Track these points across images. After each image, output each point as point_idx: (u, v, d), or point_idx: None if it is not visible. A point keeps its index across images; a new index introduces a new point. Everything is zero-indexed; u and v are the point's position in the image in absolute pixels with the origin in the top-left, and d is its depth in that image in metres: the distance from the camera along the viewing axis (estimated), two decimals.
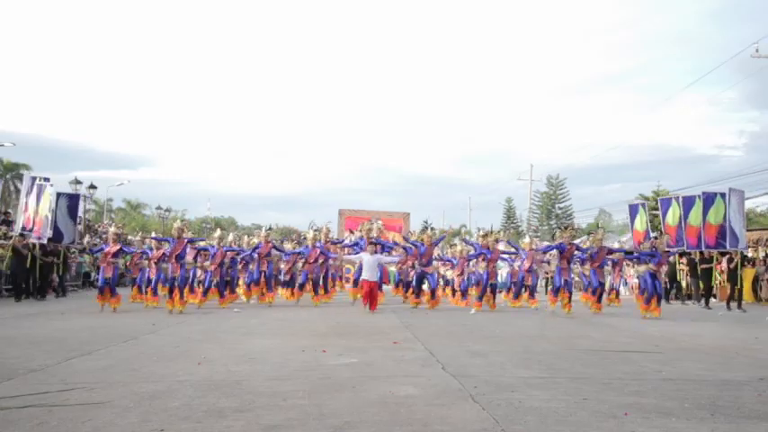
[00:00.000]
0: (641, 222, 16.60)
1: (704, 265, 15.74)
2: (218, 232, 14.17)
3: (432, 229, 14.41)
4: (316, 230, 14.18)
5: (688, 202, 15.20)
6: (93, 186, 28.50)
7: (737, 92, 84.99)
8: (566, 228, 13.23)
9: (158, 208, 45.04)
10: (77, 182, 27.21)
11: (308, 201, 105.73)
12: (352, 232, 18.90)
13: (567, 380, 4.92)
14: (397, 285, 15.71)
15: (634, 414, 3.79)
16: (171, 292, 11.21)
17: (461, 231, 62.66)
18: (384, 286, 15.06)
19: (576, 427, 3.49)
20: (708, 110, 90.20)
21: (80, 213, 16.66)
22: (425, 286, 13.63)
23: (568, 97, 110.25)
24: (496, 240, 13.51)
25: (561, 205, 54.25)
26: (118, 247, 11.89)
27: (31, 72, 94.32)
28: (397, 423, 3.53)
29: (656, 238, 13.75)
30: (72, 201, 16.10)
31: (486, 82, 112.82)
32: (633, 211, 17.09)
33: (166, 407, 3.87)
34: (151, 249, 13.19)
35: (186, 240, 11.72)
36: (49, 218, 14.61)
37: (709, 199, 14.78)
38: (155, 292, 12.64)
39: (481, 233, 13.97)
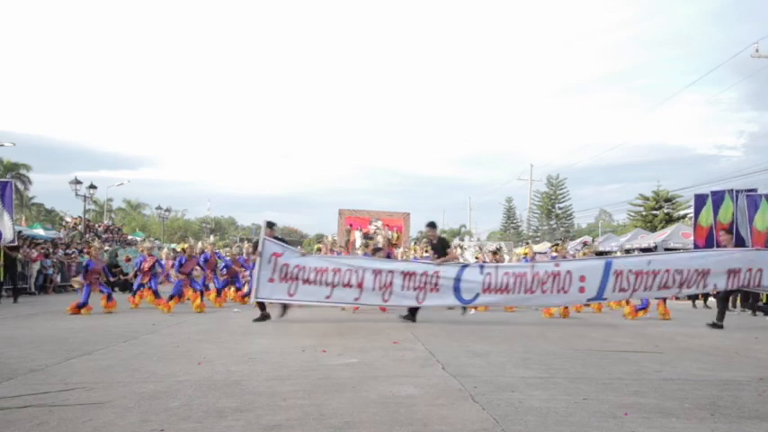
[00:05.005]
0: (707, 217, 14.25)
1: None
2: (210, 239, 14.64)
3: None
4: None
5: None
6: (93, 186, 28.47)
7: (737, 92, 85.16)
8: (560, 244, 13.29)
9: (158, 208, 45.01)
10: (77, 182, 27.18)
11: (308, 201, 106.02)
12: (349, 232, 18.92)
13: (566, 380, 4.92)
14: None
15: (634, 414, 3.79)
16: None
17: (461, 231, 62.68)
18: None
19: (576, 427, 3.49)
20: (707, 110, 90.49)
21: (12, 202, 14.25)
22: None
23: (568, 97, 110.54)
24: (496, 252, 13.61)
25: (561, 205, 54.20)
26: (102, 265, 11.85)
27: (32, 72, 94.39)
28: (397, 423, 3.53)
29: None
30: (5, 189, 13.98)
31: (487, 82, 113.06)
32: (699, 202, 14.72)
33: (166, 407, 3.87)
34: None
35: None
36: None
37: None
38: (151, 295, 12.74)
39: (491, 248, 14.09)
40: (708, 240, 14.63)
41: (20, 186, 47.58)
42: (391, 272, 9.72)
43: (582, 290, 9.74)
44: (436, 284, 9.67)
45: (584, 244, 14.72)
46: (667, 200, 40.34)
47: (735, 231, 13.56)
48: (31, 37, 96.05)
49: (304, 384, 4.60)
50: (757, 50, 21.25)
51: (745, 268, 9.87)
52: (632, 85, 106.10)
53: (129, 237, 35.23)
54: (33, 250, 17.97)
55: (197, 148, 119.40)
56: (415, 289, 9.66)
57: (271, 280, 9.50)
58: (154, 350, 6.40)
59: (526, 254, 14.66)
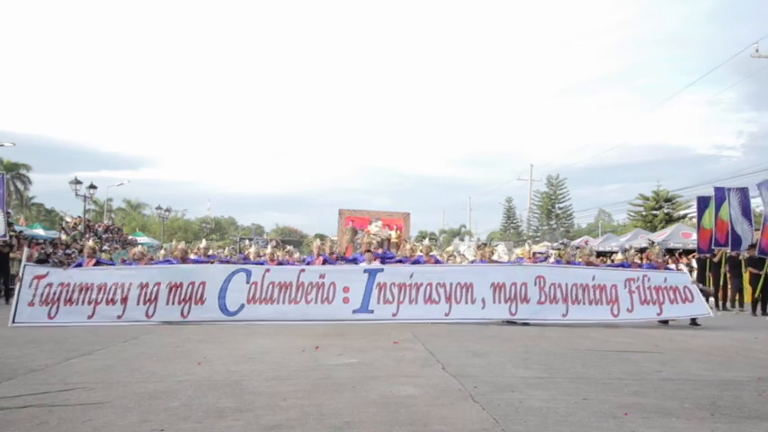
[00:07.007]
0: (710, 218, 14.13)
1: (753, 269, 13.25)
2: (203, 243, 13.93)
3: (432, 239, 14.25)
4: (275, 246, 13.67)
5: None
6: (93, 186, 28.46)
7: (737, 92, 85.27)
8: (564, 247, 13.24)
9: (158, 208, 45.01)
10: (77, 182, 27.16)
11: (308, 201, 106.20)
12: (355, 231, 18.92)
13: (566, 380, 4.92)
14: None
15: (634, 414, 3.79)
16: None
17: (461, 231, 62.69)
18: None
19: (576, 427, 3.49)
20: (707, 110, 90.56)
21: (4, 197, 13.61)
22: None
23: (568, 97, 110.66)
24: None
25: (561, 205, 54.25)
26: (94, 261, 10.78)
27: (32, 72, 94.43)
28: (397, 423, 3.53)
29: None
30: None
31: (487, 82, 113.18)
32: (702, 204, 14.62)
33: (166, 407, 3.87)
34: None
35: None
36: None
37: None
38: None
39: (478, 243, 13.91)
40: (711, 242, 14.57)
41: (20, 186, 47.70)
42: (158, 284, 9.43)
43: (346, 300, 9.67)
44: (201, 296, 9.50)
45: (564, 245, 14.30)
46: (667, 200, 40.37)
47: (731, 229, 13.62)
48: (31, 37, 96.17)
49: (304, 384, 4.60)
50: (757, 50, 21.23)
51: (509, 282, 9.79)
52: (632, 85, 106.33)
53: (130, 237, 35.26)
54: (33, 250, 17.96)
55: (197, 148, 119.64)
56: (180, 302, 9.43)
57: (30, 304, 9.12)
58: (154, 350, 6.41)
59: (524, 255, 14.60)
